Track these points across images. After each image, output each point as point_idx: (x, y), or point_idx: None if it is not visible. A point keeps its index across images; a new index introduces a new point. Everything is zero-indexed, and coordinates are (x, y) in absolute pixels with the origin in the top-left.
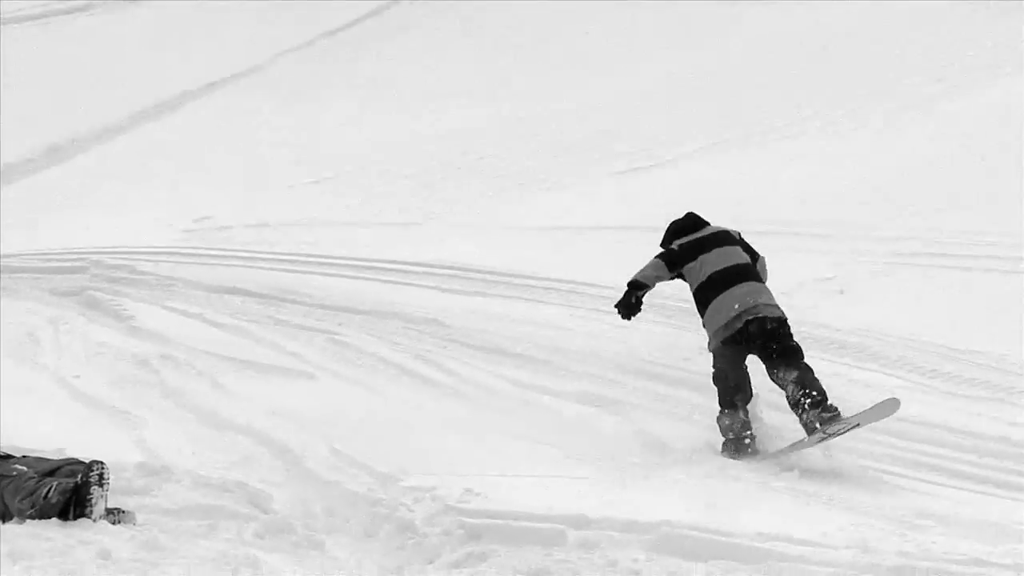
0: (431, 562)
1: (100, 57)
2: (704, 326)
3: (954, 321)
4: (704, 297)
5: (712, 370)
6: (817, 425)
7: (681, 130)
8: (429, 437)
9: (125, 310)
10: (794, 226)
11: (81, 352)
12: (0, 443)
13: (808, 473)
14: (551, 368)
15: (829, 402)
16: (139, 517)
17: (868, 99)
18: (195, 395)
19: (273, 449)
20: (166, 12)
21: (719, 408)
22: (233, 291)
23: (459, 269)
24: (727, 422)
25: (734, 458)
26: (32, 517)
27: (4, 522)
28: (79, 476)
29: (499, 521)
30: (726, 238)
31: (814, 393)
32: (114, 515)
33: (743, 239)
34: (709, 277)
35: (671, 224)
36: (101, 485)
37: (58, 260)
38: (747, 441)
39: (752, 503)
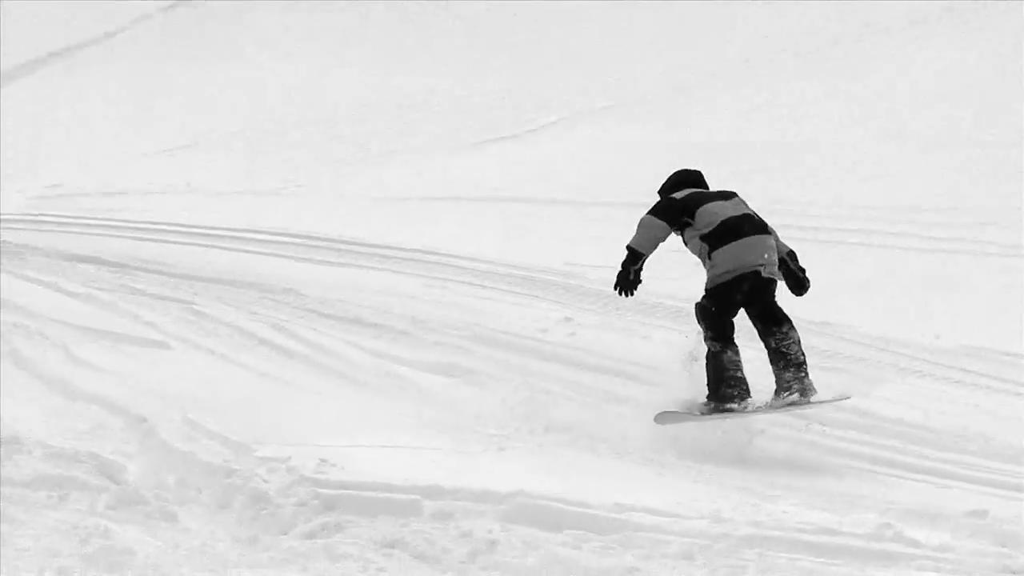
0: (285, 533)
1: None
2: (711, 268)
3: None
4: (718, 240)
5: (701, 305)
6: (793, 386)
7: (537, 104)
8: (285, 407)
9: None
10: (654, 197)
11: None
12: None
13: (662, 444)
14: (408, 338)
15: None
16: None
17: (735, 70)
18: (47, 364)
19: (126, 419)
20: None
21: (711, 346)
22: (87, 259)
23: (317, 239)
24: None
25: (724, 405)
26: None
27: None
28: None
29: (354, 492)
30: (735, 194)
31: (802, 356)
32: None
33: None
34: (724, 222)
35: (679, 172)
36: None
37: None
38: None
39: (607, 474)
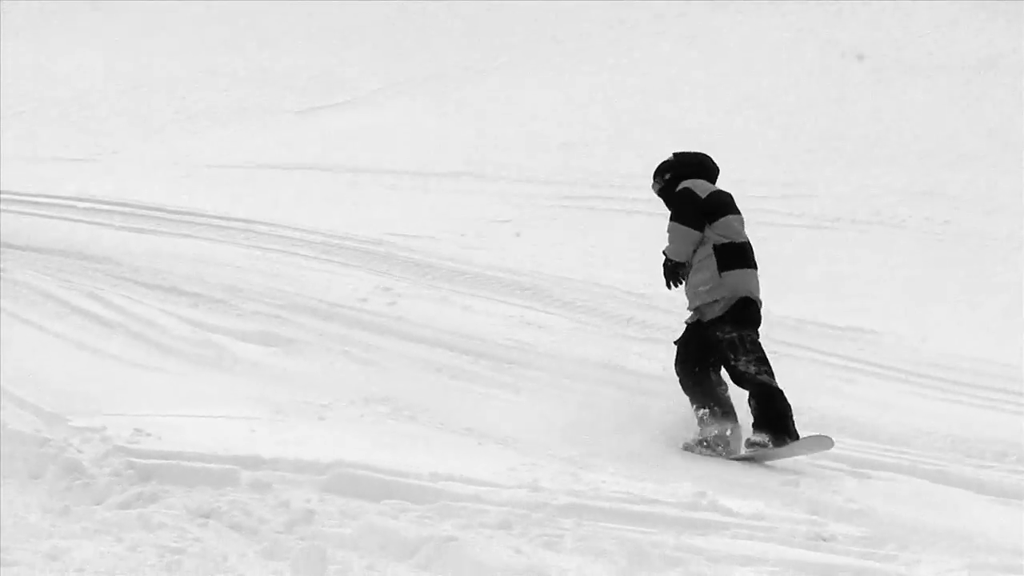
0: (99, 503)
1: None
2: (702, 285)
3: (625, 264)
4: (725, 261)
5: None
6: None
7: (360, 72)
8: (99, 377)
9: None
10: (473, 167)
11: None
12: None
13: (482, 415)
14: (225, 307)
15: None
16: None
17: (544, 48)
18: None
19: None
20: None
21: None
22: None
23: (133, 207)
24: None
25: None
26: None
27: None
28: None
29: (170, 461)
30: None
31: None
32: None
33: None
34: (735, 243)
35: (701, 157)
36: None
37: None
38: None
39: (427, 444)
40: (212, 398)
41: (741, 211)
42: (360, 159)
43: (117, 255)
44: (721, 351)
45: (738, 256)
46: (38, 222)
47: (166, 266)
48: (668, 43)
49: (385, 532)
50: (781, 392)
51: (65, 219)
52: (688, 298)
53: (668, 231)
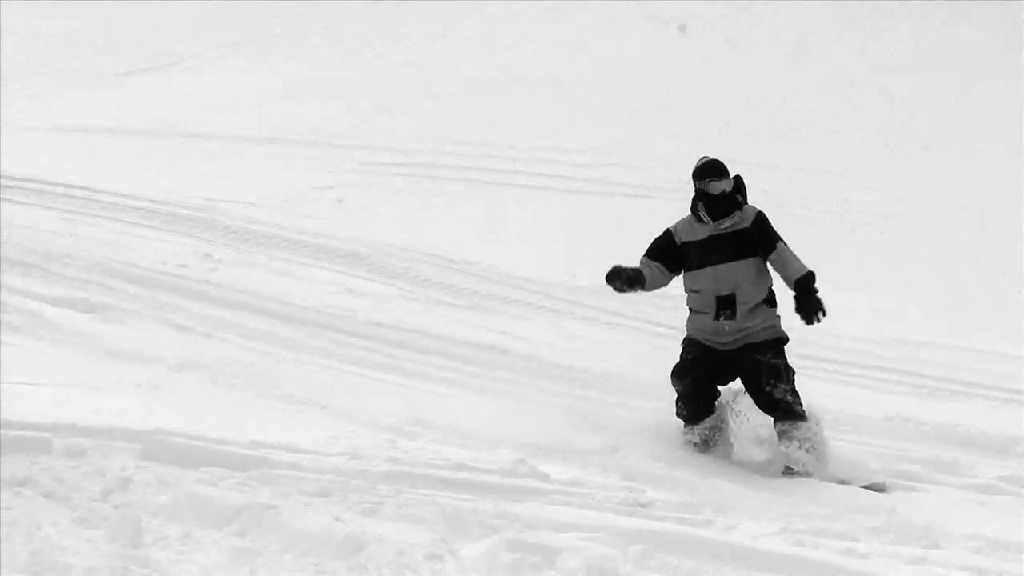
0: None
1: None
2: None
3: (452, 232)
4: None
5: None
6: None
7: (184, 34)
8: None
9: None
10: (296, 134)
11: None
12: None
13: (302, 383)
14: (42, 273)
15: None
16: None
17: (365, 11)
18: None
19: None
20: None
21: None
22: None
23: None
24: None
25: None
26: None
27: None
28: None
29: None
30: None
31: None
32: None
33: None
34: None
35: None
36: None
37: None
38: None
39: (246, 412)
40: (27, 364)
41: None
42: (183, 123)
43: None
44: (758, 375)
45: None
46: None
47: None
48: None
49: (202, 500)
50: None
51: None
52: (767, 319)
53: (784, 252)
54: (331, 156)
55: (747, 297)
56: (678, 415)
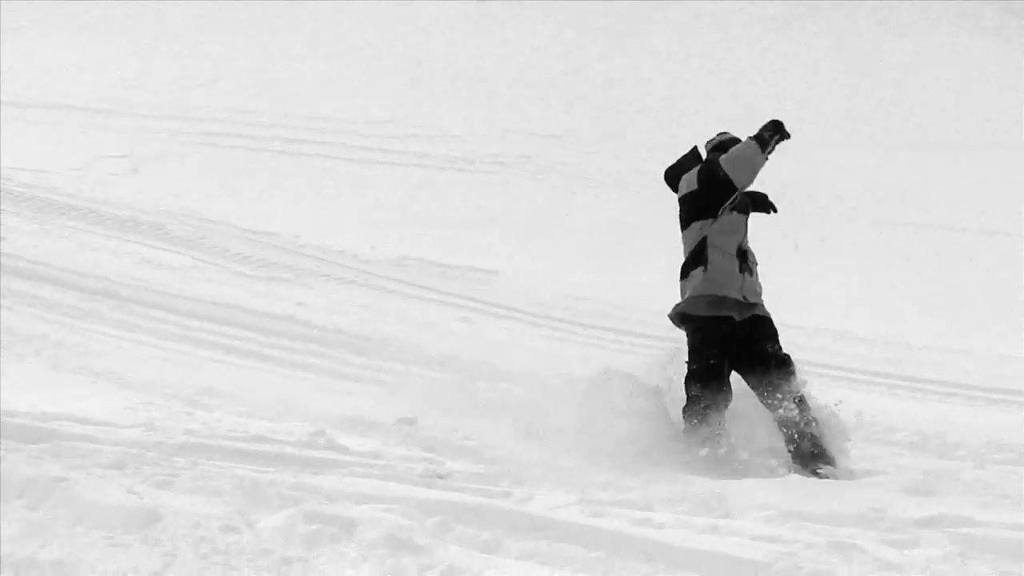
0: None
1: None
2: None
3: (253, 200)
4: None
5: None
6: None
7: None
8: None
9: None
10: (86, 102)
11: None
12: None
13: (97, 354)
14: None
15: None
16: None
17: None
18: None
19: None
20: None
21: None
22: None
23: None
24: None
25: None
26: None
27: None
28: None
29: None
30: None
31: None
32: None
33: None
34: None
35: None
36: None
37: None
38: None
39: (38, 383)
40: None
41: None
42: None
43: None
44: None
45: (743, 258)
46: None
47: None
48: None
49: None
50: None
51: None
52: (759, 290)
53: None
54: (131, 125)
55: (753, 256)
56: (694, 420)
